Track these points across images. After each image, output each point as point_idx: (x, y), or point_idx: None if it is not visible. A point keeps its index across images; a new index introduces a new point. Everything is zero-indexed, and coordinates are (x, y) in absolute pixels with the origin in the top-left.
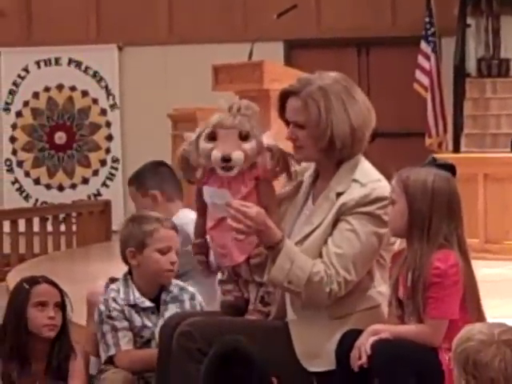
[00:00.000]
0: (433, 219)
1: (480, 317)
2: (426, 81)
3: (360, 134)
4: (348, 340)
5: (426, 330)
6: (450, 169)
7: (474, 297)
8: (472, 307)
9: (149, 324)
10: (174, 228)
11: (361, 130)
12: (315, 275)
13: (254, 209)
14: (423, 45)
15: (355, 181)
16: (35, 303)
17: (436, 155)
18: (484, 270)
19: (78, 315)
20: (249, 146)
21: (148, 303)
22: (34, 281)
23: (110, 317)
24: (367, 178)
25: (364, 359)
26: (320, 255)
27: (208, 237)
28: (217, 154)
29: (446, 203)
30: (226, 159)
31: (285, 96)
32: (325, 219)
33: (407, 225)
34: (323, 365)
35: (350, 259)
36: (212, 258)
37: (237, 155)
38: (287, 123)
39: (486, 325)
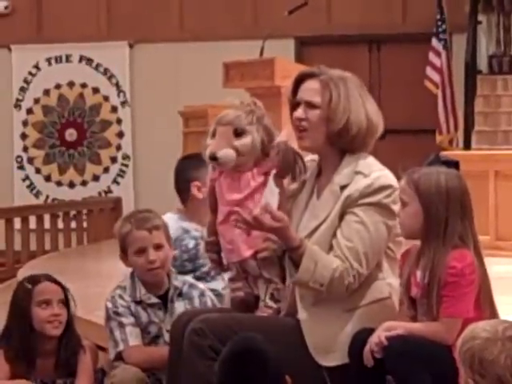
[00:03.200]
0: (449, 219)
1: (493, 315)
2: (436, 78)
3: (375, 128)
4: (361, 337)
5: (440, 328)
6: (454, 165)
7: (487, 295)
8: (486, 305)
9: (155, 320)
10: (151, 227)
11: (376, 124)
12: (335, 271)
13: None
14: (434, 42)
15: (358, 173)
16: (39, 302)
17: (445, 152)
18: (495, 267)
19: (88, 311)
20: (241, 142)
21: (154, 299)
22: (35, 280)
23: (116, 313)
24: (370, 169)
25: (379, 351)
26: (330, 248)
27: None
28: (206, 152)
29: (459, 202)
30: (211, 157)
31: (301, 78)
32: (331, 213)
33: (423, 226)
34: (336, 359)
35: (362, 251)
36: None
37: (223, 153)
38: (295, 106)
39: (489, 322)
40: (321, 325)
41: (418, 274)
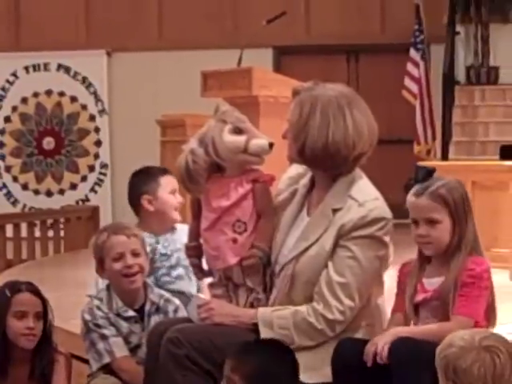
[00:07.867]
0: (468, 225)
1: (494, 323)
2: (414, 88)
3: (333, 150)
4: (344, 348)
5: (451, 327)
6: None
7: (492, 303)
8: (490, 313)
9: (136, 330)
10: (130, 233)
11: (336, 146)
12: (301, 322)
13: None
14: (412, 52)
15: (352, 198)
16: (15, 312)
17: (424, 163)
18: None
19: (63, 320)
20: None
21: (131, 313)
22: (16, 288)
23: (96, 325)
24: (364, 197)
25: (383, 355)
26: (315, 274)
27: (202, 239)
28: (263, 142)
29: (471, 209)
30: (272, 145)
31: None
32: (321, 236)
33: (453, 237)
34: (323, 377)
35: (354, 287)
36: (205, 261)
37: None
38: None
39: (469, 331)
40: (310, 347)
41: (426, 281)
